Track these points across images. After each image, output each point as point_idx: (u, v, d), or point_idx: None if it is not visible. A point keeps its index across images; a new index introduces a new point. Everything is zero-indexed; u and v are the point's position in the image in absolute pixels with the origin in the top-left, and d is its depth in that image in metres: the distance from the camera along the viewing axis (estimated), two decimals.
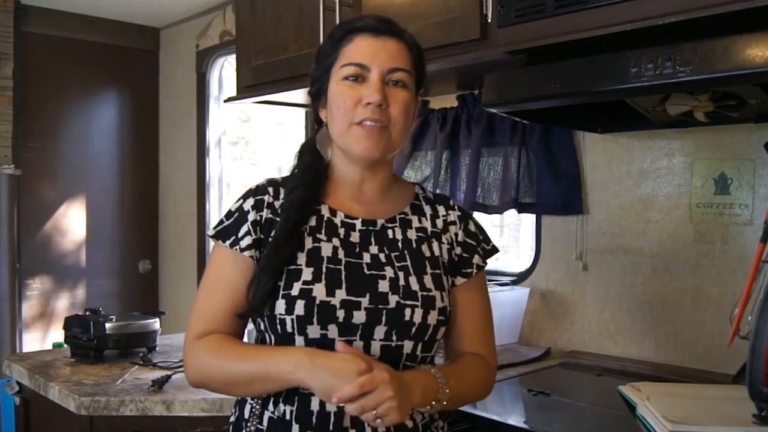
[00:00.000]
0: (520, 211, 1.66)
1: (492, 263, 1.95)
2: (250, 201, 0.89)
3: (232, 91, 1.90)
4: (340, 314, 0.82)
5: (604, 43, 1.06)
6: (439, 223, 0.94)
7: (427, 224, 0.93)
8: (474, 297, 0.94)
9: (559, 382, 1.40)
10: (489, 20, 1.22)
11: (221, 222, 0.89)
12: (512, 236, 2.06)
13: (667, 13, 0.97)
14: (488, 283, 1.69)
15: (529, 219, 1.78)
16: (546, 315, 1.65)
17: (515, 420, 1.12)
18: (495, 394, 1.28)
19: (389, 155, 0.90)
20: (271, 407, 0.85)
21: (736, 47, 0.93)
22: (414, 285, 0.86)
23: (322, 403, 0.82)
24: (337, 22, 1.48)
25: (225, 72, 2.77)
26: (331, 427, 0.82)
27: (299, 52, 1.63)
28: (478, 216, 1.74)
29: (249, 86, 1.80)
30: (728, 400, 1.09)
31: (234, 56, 1.93)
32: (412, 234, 0.90)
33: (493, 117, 1.64)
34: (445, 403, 0.85)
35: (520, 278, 1.72)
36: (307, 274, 0.83)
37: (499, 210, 1.68)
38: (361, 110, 0.85)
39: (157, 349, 1.63)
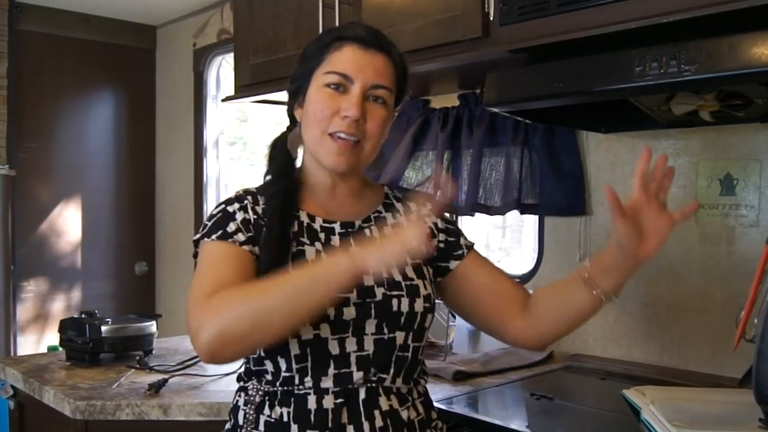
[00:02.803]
0: (522, 212, 1.65)
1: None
2: (235, 205, 0.89)
3: (230, 91, 1.89)
4: (331, 312, 0.82)
5: (607, 41, 1.05)
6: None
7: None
8: (486, 271, 0.97)
9: (562, 386, 1.39)
10: (491, 18, 1.21)
11: (204, 226, 0.88)
12: (515, 238, 2.06)
13: (671, 11, 0.96)
14: None
15: (532, 220, 1.77)
16: None
17: (517, 424, 1.11)
18: (497, 398, 1.28)
19: (359, 168, 0.92)
20: (266, 411, 0.85)
21: (742, 45, 0.92)
22: (397, 276, 0.87)
23: (319, 401, 0.83)
24: (337, 20, 1.47)
25: (223, 71, 2.76)
26: (330, 424, 0.82)
27: (298, 51, 1.58)
28: (480, 217, 1.74)
29: (247, 85, 1.79)
30: (734, 404, 1.08)
31: (232, 55, 1.91)
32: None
33: (495, 117, 1.63)
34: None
35: (522, 280, 1.70)
36: None
37: (502, 211, 1.67)
38: (338, 122, 0.86)
39: (153, 352, 1.62)
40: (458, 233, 0.98)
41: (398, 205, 0.97)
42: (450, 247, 0.96)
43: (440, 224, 0.97)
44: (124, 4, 2.68)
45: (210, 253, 0.85)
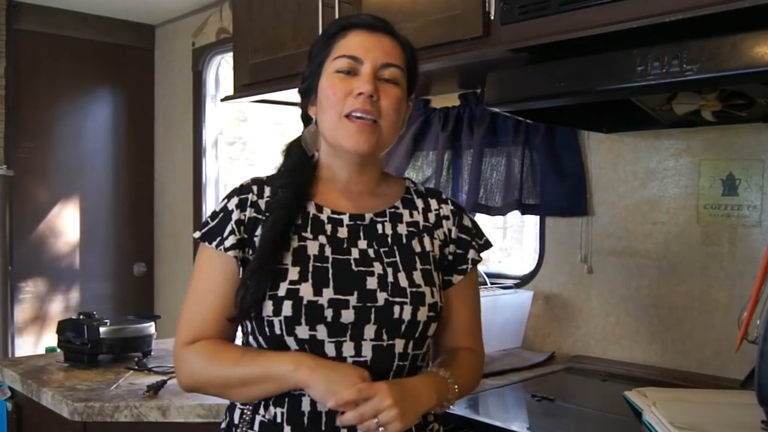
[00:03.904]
0: (523, 213, 1.64)
1: (495, 266, 1.94)
2: (234, 200, 0.88)
3: (229, 90, 1.88)
4: (328, 314, 0.81)
5: (609, 41, 1.05)
6: (432, 217, 0.93)
7: (419, 218, 0.92)
8: (466, 292, 0.94)
9: (564, 388, 1.38)
10: (491, 17, 1.21)
11: (206, 223, 0.88)
12: (515, 238, 2.05)
13: (673, 11, 0.96)
14: (491, 286, 1.69)
15: (533, 220, 1.76)
16: (550, 319, 1.63)
17: (518, 426, 1.11)
18: (498, 400, 1.27)
19: (379, 152, 0.90)
20: (261, 411, 0.85)
21: (744, 45, 0.92)
22: (403, 281, 0.85)
23: (313, 404, 0.82)
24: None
25: (222, 70, 2.74)
26: (323, 427, 0.81)
27: (297, 50, 1.61)
28: (481, 218, 1.73)
29: (246, 85, 1.78)
30: (736, 405, 1.08)
31: (231, 54, 1.90)
32: (402, 228, 0.90)
33: (495, 116, 1.62)
34: (448, 404, 0.86)
35: (523, 281, 1.70)
36: (293, 273, 0.82)
37: (502, 211, 1.66)
38: (352, 101, 0.84)
39: (152, 353, 1.61)
40: (468, 245, 0.93)
41: (419, 202, 0.93)
42: (457, 260, 0.93)
43: (454, 233, 0.93)
44: (122, 3, 2.66)
45: (203, 264, 0.88)
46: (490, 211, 1.68)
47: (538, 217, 1.67)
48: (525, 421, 1.20)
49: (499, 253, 2.06)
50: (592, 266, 1.55)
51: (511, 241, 2.06)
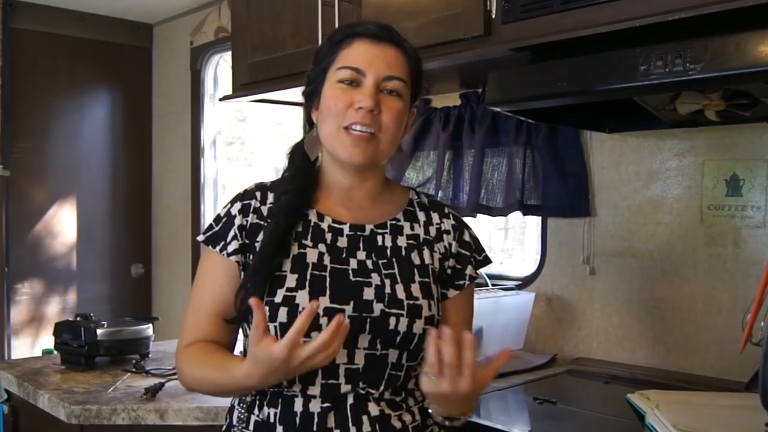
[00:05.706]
0: (525, 213, 1.63)
1: (496, 267, 1.94)
2: (237, 205, 0.90)
3: (228, 90, 1.87)
4: (323, 322, 0.81)
5: (611, 40, 1.04)
6: (432, 230, 0.93)
7: (420, 231, 0.92)
8: (461, 307, 0.94)
9: (566, 390, 1.38)
10: (493, 16, 1.20)
11: (211, 227, 0.90)
12: (517, 239, 2.04)
13: (676, 9, 0.95)
14: (493, 287, 1.68)
15: (535, 221, 1.75)
16: (552, 321, 1.62)
17: (520, 429, 1.12)
18: (499, 403, 1.26)
19: (377, 163, 0.90)
20: (256, 411, 0.86)
21: (749, 44, 0.91)
22: (400, 293, 0.85)
23: (305, 404, 0.83)
24: (336, 18, 1.45)
25: (220, 70, 2.73)
26: (315, 428, 0.82)
27: (297, 49, 1.60)
28: (482, 218, 1.73)
29: (245, 84, 1.77)
30: (740, 408, 1.08)
31: (229, 53, 1.89)
32: (402, 241, 0.90)
33: (497, 116, 1.62)
34: (466, 416, 0.86)
35: (525, 283, 1.69)
36: (291, 280, 0.83)
37: (504, 212, 1.65)
38: (352, 114, 0.85)
39: (150, 356, 1.60)
40: (468, 260, 0.93)
41: (421, 215, 0.94)
42: (455, 274, 0.92)
43: (454, 248, 0.93)
44: (120, 1, 2.65)
45: (206, 268, 0.91)
46: (492, 211, 1.67)
47: (540, 217, 1.66)
48: (527, 423, 1.20)
49: (500, 254, 2.06)
50: (595, 267, 1.55)
51: (513, 242, 2.06)
